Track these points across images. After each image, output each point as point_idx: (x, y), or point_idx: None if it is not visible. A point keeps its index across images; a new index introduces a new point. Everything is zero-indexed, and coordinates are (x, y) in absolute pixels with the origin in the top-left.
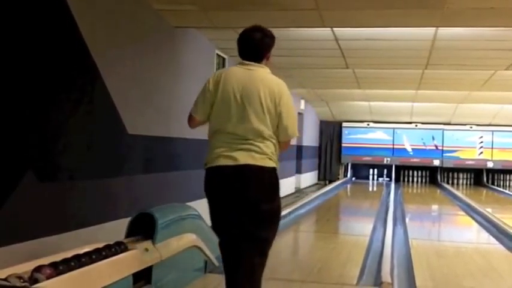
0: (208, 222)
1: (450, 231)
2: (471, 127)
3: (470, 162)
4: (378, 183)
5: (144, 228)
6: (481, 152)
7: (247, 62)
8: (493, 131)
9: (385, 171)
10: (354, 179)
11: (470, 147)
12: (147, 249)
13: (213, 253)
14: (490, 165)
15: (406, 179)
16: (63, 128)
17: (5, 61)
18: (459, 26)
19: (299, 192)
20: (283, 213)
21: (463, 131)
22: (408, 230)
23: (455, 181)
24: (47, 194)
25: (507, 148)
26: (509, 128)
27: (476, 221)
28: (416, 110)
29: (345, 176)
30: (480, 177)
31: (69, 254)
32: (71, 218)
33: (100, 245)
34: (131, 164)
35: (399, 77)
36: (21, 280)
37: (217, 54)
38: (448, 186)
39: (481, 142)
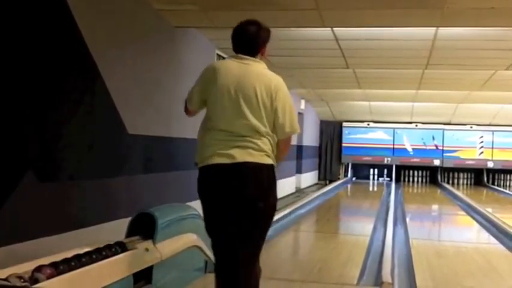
0: None
1: (450, 231)
2: (471, 127)
3: (470, 162)
4: (378, 183)
5: (144, 228)
6: (482, 152)
7: (242, 56)
8: (493, 131)
9: (386, 171)
10: (354, 179)
11: (470, 147)
12: (147, 249)
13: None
14: (490, 165)
15: (406, 179)
16: (63, 127)
17: (5, 61)
18: (459, 26)
19: (299, 192)
20: (283, 213)
21: (464, 131)
22: (408, 229)
23: (456, 181)
24: (47, 194)
25: (507, 148)
26: (510, 128)
27: (477, 220)
28: (416, 110)
29: (345, 176)
30: (480, 177)
31: (69, 254)
32: (71, 218)
33: (100, 245)
34: (131, 164)
35: (399, 77)
36: (22, 280)
37: (218, 54)
38: (449, 186)
39: (482, 142)
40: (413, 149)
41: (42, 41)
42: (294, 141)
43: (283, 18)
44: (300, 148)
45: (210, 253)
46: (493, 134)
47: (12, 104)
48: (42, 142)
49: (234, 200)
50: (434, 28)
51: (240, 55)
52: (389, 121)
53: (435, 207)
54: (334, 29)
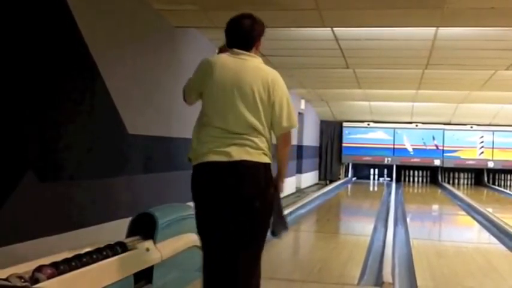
0: None
1: (451, 231)
2: (472, 127)
3: (470, 162)
4: (378, 183)
5: (144, 228)
6: (482, 152)
7: (238, 51)
8: (493, 131)
9: (386, 171)
10: (354, 179)
11: (470, 147)
12: (148, 249)
13: None
14: (490, 165)
15: (406, 179)
16: (63, 127)
17: (5, 61)
18: (459, 26)
19: (300, 192)
20: (283, 213)
21: (464, 131)
22: (409, 229)
23: (456, 181)
24: (47, 194)
25: (508, 148)
26: (510, 128)
27: (477, 220)
28: (416, 110)
29: (346, 176)
30: (481, 177)
31: (70, 254)
32: (71, 218)
33: (101, 245)
34: (131, 164)
35: (399, 77)
36: (22, 280)
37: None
38: (449, 186)
39: (482, 142)
40: (413, 149)
41: (42, 41)
42: (294, 141)
43: (283, 18)
44: (300, 148)
45: None
46: (493, 134)
47: (12, 104)
48: (42, 142)
49: (230, 198)
50: (434, 28)
51: (235, 50)
52: (389, 121)
53: (435, 207)
54: (334, 29)
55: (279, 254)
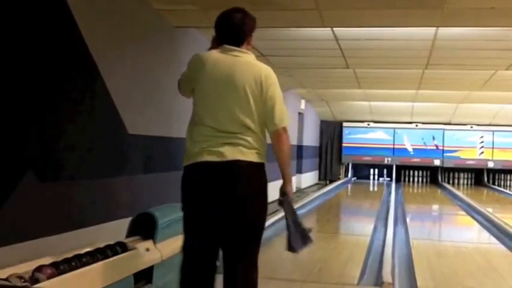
0: None
1: (451, 231)
2: (472, 127)
3: (470, 162)
4: (378, 183)
5: (144, 228)
6: (482, 152)
7: (230, 47)
8: (493, 131)
9: (386, 171)
10: (354, 179)
11: (470, 147)
12: (148, 249)
13: None
14: (490, 165)
15: (406, 179)
16: (63, 127)
17: (5, 61)
18: (459, 26)
19: (300, 192)
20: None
21: (464, 131)
22: (409, 229)
23: (456, 181)
24: (47, 194)
25: (508, 148)
26: (510, 128)
27: (477, 220)
28: (416, 110)
29: (346, 176)
30: (481, 177)
31: (70, 254)
32: (71, 218)
33: (101, 245)
34: (131, 163)
35: (399, 77)
36: (22, 280)
37: None
38: (449, 186)
39: (482, 142)
40: (413, 149)
41: (42, 41)
42: (294, 141)
43: (283, 18)
44: (300, 148)
45: None
46: (493, 134)
47: (13, 104)
48: (42, 142)
49: (224, 198)
50: (434, 28)
51: (226, 46)
52: (389, 121)
53: (435, 207)
54: (334, 29)
55: (279, 254)
